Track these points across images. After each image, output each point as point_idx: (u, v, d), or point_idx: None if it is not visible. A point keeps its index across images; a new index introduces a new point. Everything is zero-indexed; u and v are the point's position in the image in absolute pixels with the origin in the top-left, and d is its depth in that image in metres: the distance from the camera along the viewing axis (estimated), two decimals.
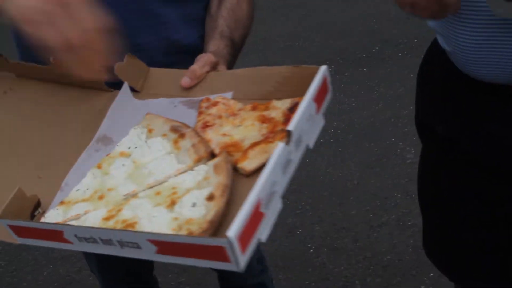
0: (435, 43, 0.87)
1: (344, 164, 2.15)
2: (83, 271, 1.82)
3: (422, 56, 0.93)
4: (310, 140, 0.63)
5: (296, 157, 0.60)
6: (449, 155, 0.88)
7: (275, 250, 1.82)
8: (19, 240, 0.65)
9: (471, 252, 0.92)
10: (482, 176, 0.84)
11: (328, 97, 0.68)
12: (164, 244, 0.53)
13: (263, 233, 0.54)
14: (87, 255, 1.24)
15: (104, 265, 1.23)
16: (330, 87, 0.68)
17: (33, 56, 0.88)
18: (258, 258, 1.35)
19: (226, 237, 0.48)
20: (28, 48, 0.90)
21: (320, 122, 0.66)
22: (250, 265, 1.48)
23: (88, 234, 0.57)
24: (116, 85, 0.84)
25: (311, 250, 1.83)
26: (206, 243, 0.50)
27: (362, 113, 2.43)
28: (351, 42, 2.96)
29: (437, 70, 0.87)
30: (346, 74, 2.70)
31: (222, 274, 1.40)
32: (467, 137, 0.83)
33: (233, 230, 0.49)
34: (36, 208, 0.68)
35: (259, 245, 1.33)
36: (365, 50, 2.88)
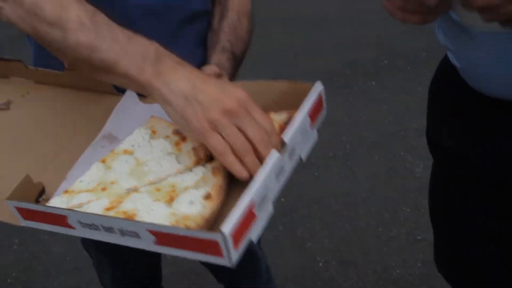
0: (445, 60, 0.88)
1: (353, 177, 2.15)
2: (94, 283, 1.83)
3: (431, 69, 0.94)
4: (303, 152, 0.67)
5: (289, 166, 0.64)
6: (458, 171, 0.89)
7: (284, 262, 1.82)
8: (23, 223, 0.67)
9: (479, 268, 0.92)
10: (491, 191, 0.85)
11: (323, 113, 0.71)
12: (163, 236, 0.56)
13: (254, 233, 0.57)
14: (101, 267, 1.26)
15: (119, 274, 1.24)
16: (324, 104, 0.71)
17: (48, 61, 0.91)
18: (265, 267, 1.37)
19: (220, 232, 0.51)
20: (43, 54, 0.93)
21: (313, 136, 0.69)
22: (259, 273, 1.50)
23: (91, 221, 0.60)
24: (123, 90, 0.87)
25: (321, 264, 1.83)
26: (202, 237, 0.53)
27: (371, 126, 2.43)
28: (360, 55, 2.97)
29: (447, 87, 0.88)
30: (355, 87, 2.71)
31: (231, 285, 1.41)
32: (476, 152, 0.84)
33: (227, 226, 0.52)
34: (41, 195, 0.71)
35: (265, 255, 1.36)
36: (373, 63, 2.90)
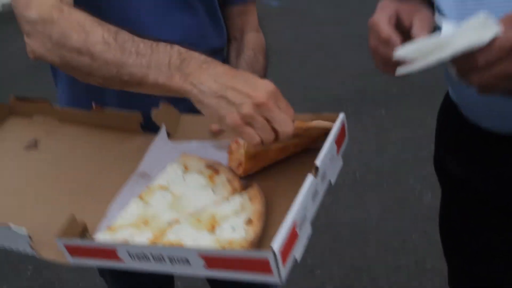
0: (447, 96, 0.92)
1: (363, 206, 2.16)
2: None
3: (440, 98, 0.96)
4: (332, 177, 0.72)
5: (321, 190, 0.68)
6: (460, 193, 0.91)
7: None
8: (71, 260, 0.68)
9: (484, 285, 0.94)
10: (493, 214, 0.86)
11: (345, 141, 0.76)
12: (213, 259, 0.58)
13: (297, 252, 0.60)
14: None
15: None
16: (347, 132, 0.76)
17: (77, 100, 0.94)
18: None
19: (270, 250, 0.54)
20: (73, 92, 0.96)
21: (339, 162, 0.74)
22: None
23: (141, 251, 0.61)
24: (148, 128, 0.90)
25: None
26: (252, 256, 0.56)
27: (380, 154, 2.45)
28: (369, 83, 3.00)
29: (450, 122, 0.91)
30: (364, 115, 2.74)
31: None
32: (478, 176, 0.86)
33: (276, 244, 0.55)
34: (84, 232, 0.72)
35: (278, 285, 1.36)
36: (383, 91, 2.93)
